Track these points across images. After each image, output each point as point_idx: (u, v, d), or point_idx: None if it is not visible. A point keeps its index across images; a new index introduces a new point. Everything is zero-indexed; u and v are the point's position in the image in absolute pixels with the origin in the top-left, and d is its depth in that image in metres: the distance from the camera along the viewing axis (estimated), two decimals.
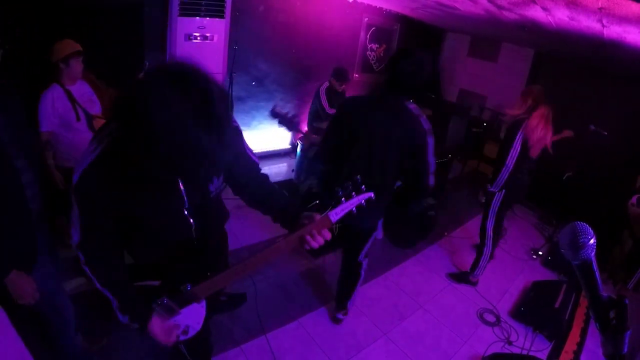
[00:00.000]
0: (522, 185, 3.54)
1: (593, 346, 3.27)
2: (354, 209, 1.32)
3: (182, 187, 1.34)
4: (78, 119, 2.74)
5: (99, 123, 2.83)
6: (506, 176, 3.30)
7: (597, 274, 0.86)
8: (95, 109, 2.88)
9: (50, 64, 2.65)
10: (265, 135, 5.92)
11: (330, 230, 1.37)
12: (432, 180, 2.43)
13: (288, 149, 6.31)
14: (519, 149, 3.23)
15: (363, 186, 1.32)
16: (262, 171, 1.60)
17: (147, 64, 2.94)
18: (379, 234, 2.86)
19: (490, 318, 3.48)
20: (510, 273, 4.24)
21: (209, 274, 1.37)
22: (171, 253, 1.48)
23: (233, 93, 4.90)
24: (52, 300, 1.88)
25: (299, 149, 5.01)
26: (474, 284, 3.91)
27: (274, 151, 6.18)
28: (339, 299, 3.14)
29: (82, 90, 2.83)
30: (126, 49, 3.12)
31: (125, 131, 0.98)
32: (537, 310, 3.48)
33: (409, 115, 2.33)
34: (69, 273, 2.67)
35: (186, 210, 1.39)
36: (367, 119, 2.37)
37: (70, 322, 2.07)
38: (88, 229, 1.26)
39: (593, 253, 0.85)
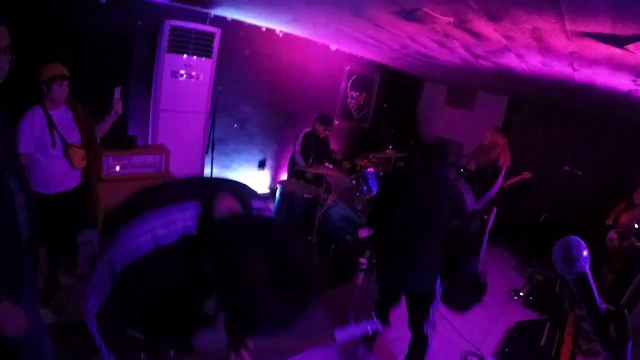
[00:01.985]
0: None
1: None
2: (359, 334, 1.31)
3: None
4: (54, 145, 2.67)
5: (74, 152, 2.79)
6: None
7: (594, 286, 0.85)
8: (74, 136, 2.83)
9: (38, 87, 2.64)
10: (243, 179, 5.83)
11: None
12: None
13: (267, 193, 6.27)
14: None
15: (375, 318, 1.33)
16: None
17: (118, 91, 2.94)
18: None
19: None
20: (492, 315, 4.19)
21: (193, 345, 1.33)
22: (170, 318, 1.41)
23: (215, 134, 4.92)
24: (34, 337, 1.72)
25: (277, 193, 4.97)
26: None
27: None
28: None
29: (63, 116, 2.78)
30: (113, 81, 3.14)
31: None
32: (523, 349, 3.44)
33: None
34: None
35: None
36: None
37: None
38: (116, 306, 1.21)
39: (587, 265, 0.84)
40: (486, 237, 4.13)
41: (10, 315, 1.47)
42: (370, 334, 1.32)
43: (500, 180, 4.07)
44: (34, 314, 1.74)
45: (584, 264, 0.84)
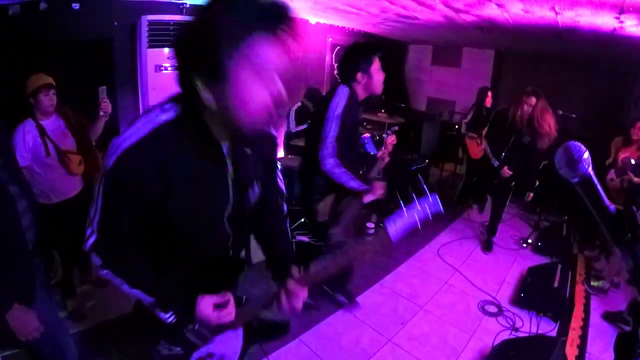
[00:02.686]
0: None
1: (598, 320, 3.35)
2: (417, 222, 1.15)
3: (230, 182, 1.14)
4: (48, 154, 2.67)
5: (69, 159, 2.79)
6: None
7: (599, 187, 0.87)
8: (68, 143, 2.82)
9: (26, 99, 2.64)
10: None
11: None
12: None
13: None
14: None
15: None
16: None
17: (103, 90, 2.92)
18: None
19: (492, 309, 3.46)
20: (504, 264, 4.27)
21: (244, 298, 1.26)
22: (202, 269, 1.26)
23: None
24: (52, 339, 1.75)
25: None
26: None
27: None
28: None
29: (55, 124, 2.78)
30: (99, 84, 3.13)
31: (208, 87, 0.91)
32: (537, 293, 3.50)
33: None
34: None
35: (226, 215, 1.18)
36: None
37: None
38: (110, 221, 1.06)
39: (590, 167, 0.86)
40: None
41: (22, 319, 1.51)
42: (431, 218, 1.09)
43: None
44: (50, 316, 1.77)
45: (586, 165, 0.86)
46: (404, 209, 1.09)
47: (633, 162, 3.89)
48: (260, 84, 0.92)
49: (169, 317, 1.15)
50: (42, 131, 2.66)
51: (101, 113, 2.98)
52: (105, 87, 2.97)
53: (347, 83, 2.69)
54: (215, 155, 1.08)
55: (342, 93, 2.64)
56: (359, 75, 2.65)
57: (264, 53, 0.89)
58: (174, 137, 0.99)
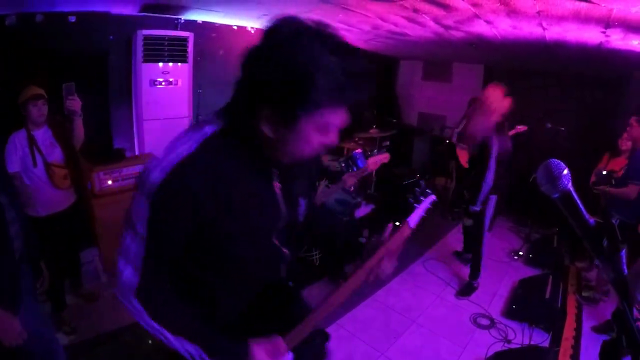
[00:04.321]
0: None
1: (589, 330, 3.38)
2: (424, 212, 1.30)
3: (280, 198, 1.12)
4: (34, 164, 2.69)
5: (53, 171, 2.79)
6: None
7: (579, 202, 0.91)
8: (55, 155, 2.84)
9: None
10: None
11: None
12: None
13: None
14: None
15: (427, 190, 1.33)
16: None
17: (67, 87, 2.85)
18: None
19: (484, 321, 3.48)
20: (496, 276, 4.30)
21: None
22: (253, 298, 1.20)
23: None
24: (44, 343, 1.77)
25: None
26: (476, 288, 3.98)
27: None
28: None
29: (45, 135, 2.81)
30: (92, 96, 3.15)
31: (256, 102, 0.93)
32: (529, 305, 3.53)
33: None
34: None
35: (276, 233, 1.15)
36: None
37: None
38: (160, 256, 0.98)
39: (570, 183, 0.89)
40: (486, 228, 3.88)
41: (5, 325, 1.53)
42: (431, 206, 1.32)
43: (492, 164, 3.52)
44: (38, 323, 1.80)
45: (565, 181, 0.89)
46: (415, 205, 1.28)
47: (604, 172, 3.96)
48: (321, 137, 0.97)
49: None
50: (32, 141, 2.69)
51: (65, 112, 2.88)
52: (72, 84, 2.87)
53: None
54: (264, 171, 1.08)
55: None
56: None
57: (335, 118, 0.95)
58: (224, 153, 0.98)
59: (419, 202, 1.30)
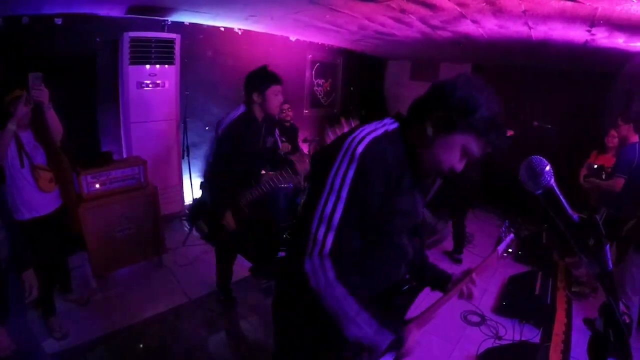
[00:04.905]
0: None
1: (580, 324, 3.43)
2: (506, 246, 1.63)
3: (418, 200, 1.33)
4: (22, 165, 2.68)
5: (38, 174, 2.76)
6: None
7: (562, 198, 0.92)
8: (39, 157, 2.81)
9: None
10: None
11: None
12: None
13: None
14: None
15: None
16: None
17: (32, 77, 2.66)
18: None
19: (475, 318, 3.51)
20: (485, 273, 4.31)
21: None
22: (388, 291, 1.38)
23: (188, 139, 4.91)
24: (26, 353, 1.74)
25: None
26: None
27: None
28: None
29: (30, 137, 2.78)
30: (79, 99, 3.12)
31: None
32: (519, 301, 3.57)
33: None
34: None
35: (406, 228, 1.34)
36: None
37: None
38: (351, 222, 1.12)
39: (552, 180, 0.91)
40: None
41: None
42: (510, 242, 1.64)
43: None
44: (24, 332, 1.76)
45: (548, 177, 0.91)
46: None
47: (595, 166, 4.03)
48: (457, 158, 1.18)
49: (385, 339, 1.16)
50: (19, 143, 2.67)
51: (31, 101, 2.69)
52: (40, 73, 2.71)
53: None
54: (416, 172, 1.24)
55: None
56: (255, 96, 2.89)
57: (475, 147, 1.16)
58: (398, 146, 1.19)
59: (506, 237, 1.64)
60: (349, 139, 1.13)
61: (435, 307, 1.35)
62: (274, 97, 2.93)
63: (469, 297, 1.46)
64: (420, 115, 1.19)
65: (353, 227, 1.12)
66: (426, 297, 1.47)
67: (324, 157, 1.19)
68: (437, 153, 1.17)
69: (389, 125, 1.21)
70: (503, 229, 1.66)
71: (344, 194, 1.09)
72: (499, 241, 1.62)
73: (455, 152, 1.16)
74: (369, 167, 1.09)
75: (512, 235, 1.63)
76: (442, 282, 1.53)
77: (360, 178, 1.08)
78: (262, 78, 2.92)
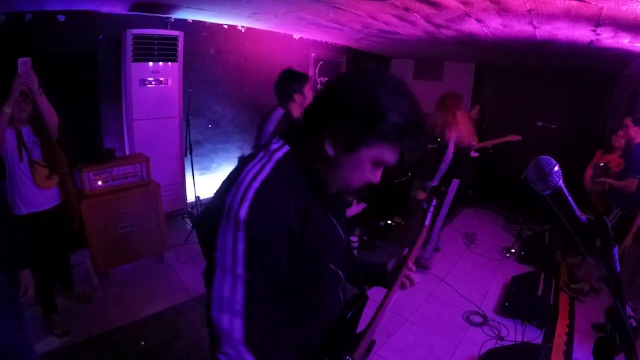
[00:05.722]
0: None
1: (584, 326, 3.40)
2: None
3: (336, 223, 1.16)
4: (21, 160, 2.69)
5: (36, 170, 2.76)
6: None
7: (570, 199, 0.90)
8: (37, 153, 2.81)
9: None
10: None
11: None
12: None
13: None
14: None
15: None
16: None
17: (21, 62, 2.55)
18: None
19: (477, 319, 3.50)
20: (488, 274, 4.32)
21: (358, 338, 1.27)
22: (325, 331, 1.23)
23: (191, 137, 4.91)
24: (18, 352, 1.71)
25: None
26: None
27: None
28: None
29: (29, 132, 2.78)
30: (82, 96, 3.11)
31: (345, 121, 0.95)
32: (522, 302, 3.54)
33: None
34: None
35: (333, 260, 1.16)
36: None
37: None
38: (258, 298, 0.93)
39: (560, 180, 0.89)
40: (445, 210, 4.10)
41: None
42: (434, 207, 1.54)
43: (449, 154, 3.93)
44: (16, 337, 1.73)
45: (556, 178, 0.89)
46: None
47: (601, 164, 4.01)
48: (370, 172, 1.03)
49: None
50: (19, 137, 2.68)
51: (18, 85, 2.58)
52: (29, 59, 2.60)
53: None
54: (322, 197, 1.08)
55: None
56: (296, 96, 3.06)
57: (389, 156, 1.00)
58: (296, 174, 1.01)
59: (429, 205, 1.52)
60: (230, 196, 0.93)
61: (383, 310, 1.28)
62: (310, 93, 3.16)
63: (411, 284, 1.37)
64: (316, 130, 1.00)
65: (264, 300, 0.95)
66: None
67: (206, 224, 1.01)
68: (344, 173, 1.02)
69: (277, 152, 1.02)
70: (424, 205, 1.54)
71: (240, 270, 0.90)
72: (424, 216, 1.52)
73: (367, 167, 1.01)
74: (260, 232, 0.90)
75: (434, 201, 1.53)
76: (378, 276, 1.43)
77: (254, 249, 0.90)
78: (298, 79, 3.12)
